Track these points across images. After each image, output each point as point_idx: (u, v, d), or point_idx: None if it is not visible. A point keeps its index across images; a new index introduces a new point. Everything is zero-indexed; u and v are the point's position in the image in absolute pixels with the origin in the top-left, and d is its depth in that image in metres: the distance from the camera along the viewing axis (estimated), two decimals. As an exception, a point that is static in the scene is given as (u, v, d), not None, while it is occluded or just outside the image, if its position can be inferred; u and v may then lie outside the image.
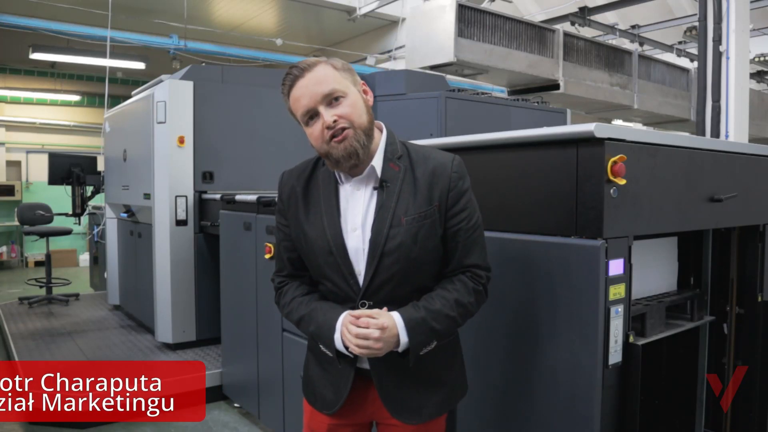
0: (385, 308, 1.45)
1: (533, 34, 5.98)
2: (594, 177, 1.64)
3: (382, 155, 1.52)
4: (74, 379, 3.98)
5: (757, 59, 9.65)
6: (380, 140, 1.54)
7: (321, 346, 1.55)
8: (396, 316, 1.43)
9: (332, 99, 1.45)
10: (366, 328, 1.40)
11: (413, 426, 1.58)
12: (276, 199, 1.67)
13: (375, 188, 1.50)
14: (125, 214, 5.49)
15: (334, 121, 1.43)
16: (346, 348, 1.46)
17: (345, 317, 1.46)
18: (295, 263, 1.62)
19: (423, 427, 1.59)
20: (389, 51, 8.96)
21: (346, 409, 1.59)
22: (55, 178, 6.51)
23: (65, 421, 3.67)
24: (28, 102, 11.48)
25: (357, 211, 1.51)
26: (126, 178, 5.35)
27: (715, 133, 5.07)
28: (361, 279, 1.50)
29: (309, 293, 1.60)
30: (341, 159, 1.45)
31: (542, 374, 1.75)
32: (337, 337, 1.46)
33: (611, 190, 1.64)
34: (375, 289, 1.49)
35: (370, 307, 1.48)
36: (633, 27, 8.87)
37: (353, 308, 1.49)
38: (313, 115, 1.46)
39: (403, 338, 1.43)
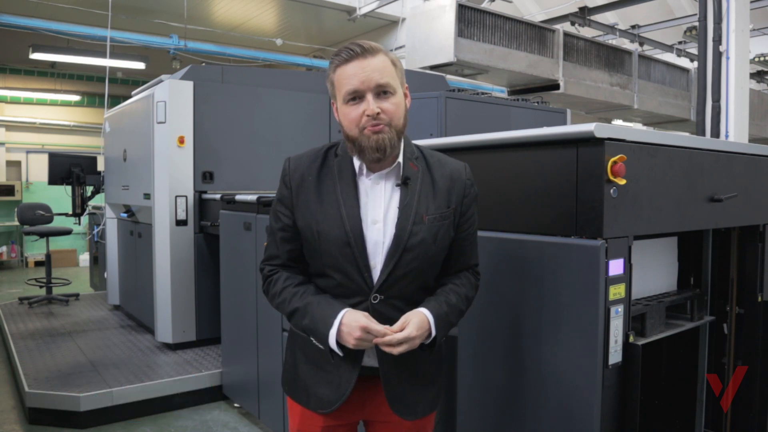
0: (408, 313, 1.48)
1: (533, 34, 5.98)
2: (594, 177, 1.64)
3: (402, 155, 1.54)
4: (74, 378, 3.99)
5: (757, 59, 9.65)
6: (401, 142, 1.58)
7: (313, 339, 1.52)
8: (427, 313, 1.48)
9: (382, 92, 1.45)
10: (400, 332, 1.42)
11: (407, 424, 1.60)
12: (278, 190, 1.61)
13: (397, 185, 1.52)
14: (125, 214, 5.49)
15: (378, 113, 1.43)
16: (339, 345, 1.46)
17: (345, 315, 1.44)
18: (292, 254, 1.59)
19: (415, 424, 1.62)
20: (389, 51, 8.95)
21: (344, 408, 1.58)
22: (55, 178, 6.51)
23: (65, 421, 3.67)
24: (28, 102, 11.48)
25: (378, 204, 1.51)
26: (126, 178, 5.35)
27: (715, 133, 5.07)
28: (375, 272, 1.50)
29: (302, 284, 1.57)
30: (368, 150, 1.45)
31: (542, 374, 1.75)
32: (332, 333, 1.44)
33: (611, 190, 1.64)
34: (390, 284, 1.50)
35: (381, 301, 1.50)
36: (633, 27, 8.87)
37: (363, 301, 1.49)
38: (356, 97, 1.45)
39: (433, 332, 1.49)
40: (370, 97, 1.44)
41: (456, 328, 2.02)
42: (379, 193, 1.52)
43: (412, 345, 1.44)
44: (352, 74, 1.44)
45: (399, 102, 1.48)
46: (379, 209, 1.50)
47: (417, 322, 1.45)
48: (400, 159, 1.52)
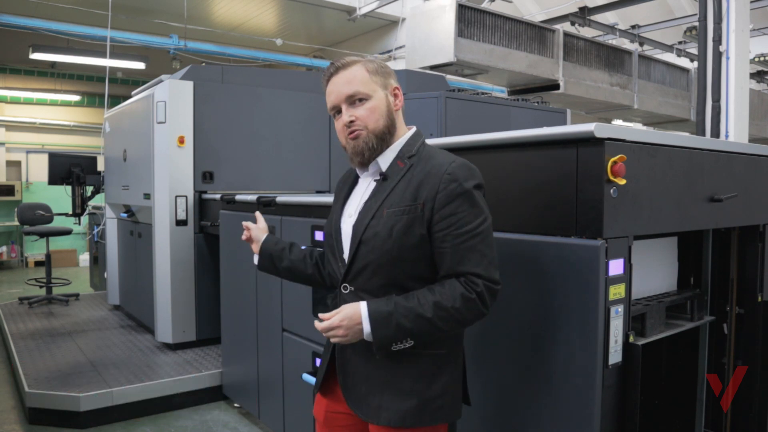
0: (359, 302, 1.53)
1: (533, 34, 5.98)
2: (594, 177, 1.64)
3: (394, 153, 1.60)
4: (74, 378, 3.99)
5: (757, 59, 9.65)
6: (400, 140, 1.62)
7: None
8: (362, 306, 1.47)
9: (355, 100, 1.57)
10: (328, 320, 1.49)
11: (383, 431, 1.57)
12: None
13: (375, 180, 1.61)
14: (125, 214, 5.49)
15: (351, 122, 1.57)
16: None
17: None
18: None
19: None
20: (389, 51, 8.96)
21: (332, 393, 1.69)
22: (55, 178, 6.51)
23: (65, 421, 3.67)
24: (28, 102, 11.48)
25: (355, 199, 1.65)
26: (126, 178, 5.35)
27: (715, 133, 5.07)
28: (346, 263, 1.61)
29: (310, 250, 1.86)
30: (351, 156, 1.61)
31: (542, 374, 1.75)
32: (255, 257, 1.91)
33: (611, 190, 1.64)
34: (354, 275, 1.57)
35: (351, 292, 1.57)
36: (633, 27, 8.87)
37: (337, 292, 1.63)
38: (338, 111, 1.60)
39: (366, 328, 1.46)
40: (344, 108, 1.58)
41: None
42: (360, 191, 1.65)
43: (338, 335, 1.48)
44: (329, 92, 1.61)
45: (374, 106, 1.57)
46: (354, 204, 1.64)
47: (346, 313, 1.47)
48: (382, 158, 1.60)
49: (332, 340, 1.51)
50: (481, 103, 5.24)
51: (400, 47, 8.58)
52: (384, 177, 1.58)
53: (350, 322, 1.46)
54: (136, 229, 5.32)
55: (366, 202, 1.58)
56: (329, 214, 1.75)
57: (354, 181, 1.70)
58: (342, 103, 1.57)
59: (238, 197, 3.79)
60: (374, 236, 1.52)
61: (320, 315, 1.51)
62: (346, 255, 1.59)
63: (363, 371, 1.57)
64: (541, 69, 6.06)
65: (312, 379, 2.79)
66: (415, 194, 1.50)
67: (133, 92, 5.58)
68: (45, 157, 6.91)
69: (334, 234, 1.64)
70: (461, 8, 5.26)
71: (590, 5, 8.22)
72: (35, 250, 11.22)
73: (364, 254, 1.54)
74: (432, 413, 1.55)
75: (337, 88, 1.58)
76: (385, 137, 1.58)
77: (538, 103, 5.91)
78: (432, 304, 1.45)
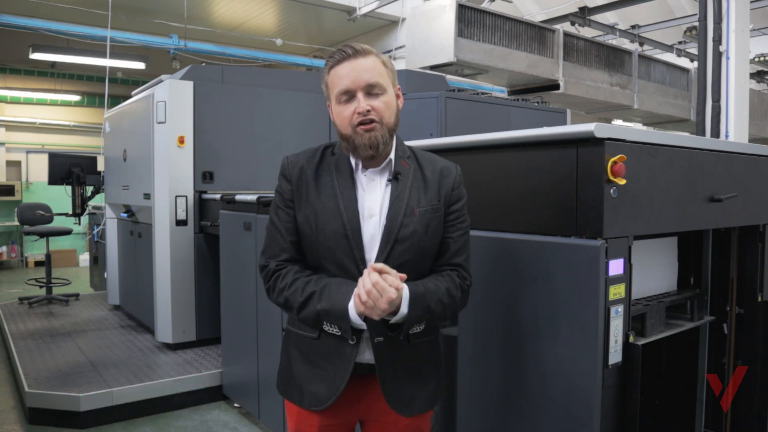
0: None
1: (533, 34, 5.98)
2: (594, 177, 1.64)
3: (394, 153, 1.60)
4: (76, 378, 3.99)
5: (757, 59, 9.65)
6: (394, 140, 1.62)
7: (326, 325, 1.53)
8: (405, 290, 1.46)
9: (373, 91, 1.51)
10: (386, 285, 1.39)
11: (402, 423, 1.60)
12: (278, 186, 1.65)
13: (389, 180, 1.57)
14: (125, 214, 5.49)
15: (368, 111, 1.49)
16: (363, 319, 1.45)
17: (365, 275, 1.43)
18: (298, 247, 1.60)
19: (411, 423, 1.62)
20: (389, 51, 8.95)
21: (339, 406, 1.59)
22: (55, 178, 6.51)
23: (65, 421, 3.67)
24: (28, 102, 11.48)
25: (374, 199, 1.56)
26: (126, 178, 5.35)
27: (715, 133, 5.07)
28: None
29: (313, 273, 1.57)
30: (361, 147, 1.50)
31: (542, 374, 1.75)
32: (351, 305, 1.45)
33: (611, 190, 1.64)
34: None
35: None
36: (633, 27, 8.88)
37: None
38: (350, 97, 1.51)
39: (403, 309, 1.45)
40: (360, 95, 1.50)
41: (456, 328, 2.03)
42: (376, 189, 1.57)
43: (368, 313, 1.40)
44: (343, 74, 1.51)
45: (389, 101, 1.54)
46: (376, 204, 1.55)
47: (389, 299, 1.39)
48: (392, 156, 1.58)
49: (364, 306, 1.40)
50: (481, 103, 5.24)
51: (400, 47, 8.57)
52: (397, 176, 1.57)
53: (390, 307, 1.41)
54: (136, 229, 5.32)
55: (392, 201, 1.53)
56: (313, 210, 1.55)
57: (350, 175, 1.56)
58: (359, 89, 1.49)
59: (238, 197, 3.79)
60: (412, 234, 1.52)
61: (383, 268, 1.40)
62: (370, 258, 1.52)
63: (394, 371, 1.57)
64: (541, 69, 6.06)
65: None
66: (438, 193, 1.59)
67: (133, 92, 5.58)
68: (45, 157, 6.90)
69: (351, 235, 1.51)
70: (461, 8, 5.26)
71: (590, 5, 8.23)
72: (35, 250, 11.22)
73: (399, 253, 1.52)
74: (440, 393, 1.71)
75: (356, 73, 1.49)
76: (393, 134, 1.58)
77: (538, 103, 5.91)
78: (445, 290, 1.54)
